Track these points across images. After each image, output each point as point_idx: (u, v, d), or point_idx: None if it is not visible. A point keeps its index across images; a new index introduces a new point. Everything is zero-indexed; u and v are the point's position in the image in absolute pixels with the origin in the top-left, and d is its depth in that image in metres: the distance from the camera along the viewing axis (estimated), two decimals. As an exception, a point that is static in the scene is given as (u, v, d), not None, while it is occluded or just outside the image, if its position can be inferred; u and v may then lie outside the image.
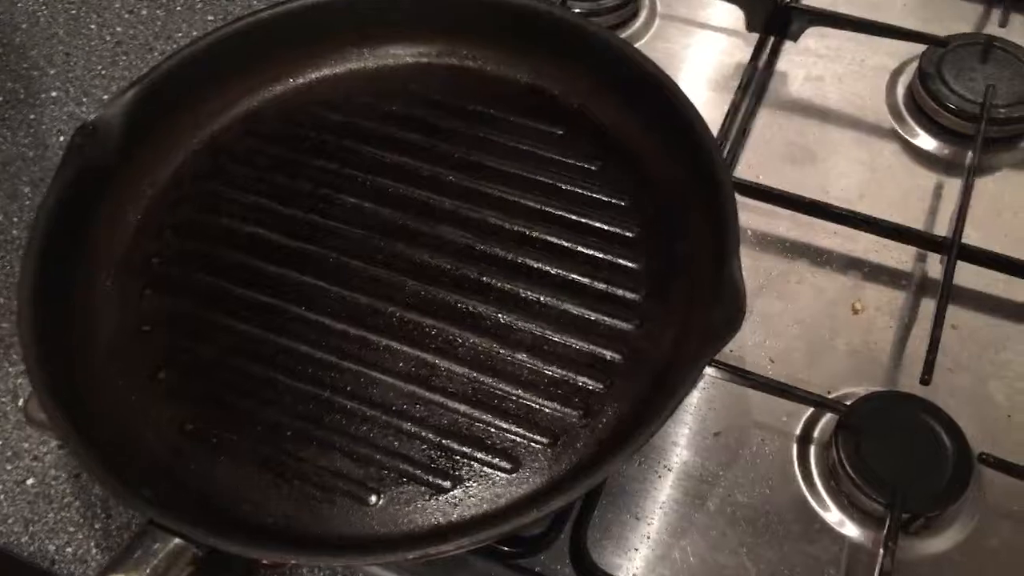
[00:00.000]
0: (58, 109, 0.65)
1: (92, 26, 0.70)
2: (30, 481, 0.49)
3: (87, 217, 0.49)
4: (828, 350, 0.50)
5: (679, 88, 0.49)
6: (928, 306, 0.51)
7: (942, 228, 0.54)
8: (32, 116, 0.65)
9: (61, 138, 0.64)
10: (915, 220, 0.54)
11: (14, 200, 0.60)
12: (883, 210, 0.54)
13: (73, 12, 0.71)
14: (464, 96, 0.55)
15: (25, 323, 0.42)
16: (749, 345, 0.50)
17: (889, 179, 0.57)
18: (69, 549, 0.46)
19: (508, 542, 0.43)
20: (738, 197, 0.55)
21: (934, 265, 0.52)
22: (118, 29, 0.70)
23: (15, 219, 0.60)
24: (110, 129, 0.49)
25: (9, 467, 0.49)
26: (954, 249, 0.50)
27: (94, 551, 0.46)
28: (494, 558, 0.43)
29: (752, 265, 0.53)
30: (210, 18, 0.70)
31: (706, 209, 0.46)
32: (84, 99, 0.66)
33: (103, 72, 0.67)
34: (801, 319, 0.51)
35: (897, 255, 0.53)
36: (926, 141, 0.58)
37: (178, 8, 0.71)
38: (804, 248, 0.54)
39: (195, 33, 0.69)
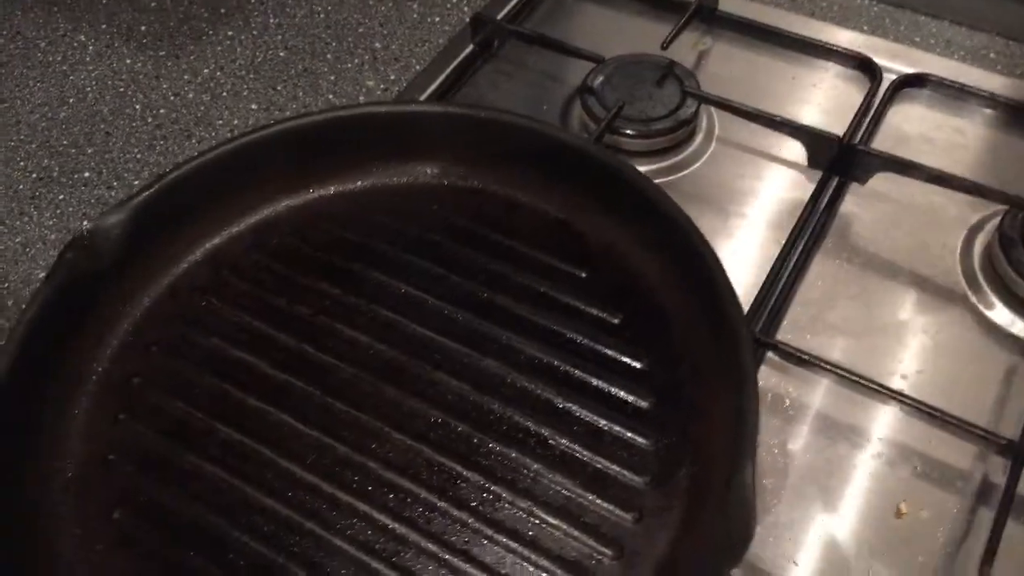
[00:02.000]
0: (88, 192, 0.64)
1: (137, 106, 0.69)
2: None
3: (72, 330, 0.46)
4: (862, 559, 0.43)
5: (713, 253, 0.44)
6: (985, 518, 0.44)
7: (1010, 422, 0.47)
8: (61, 197, 0.64)
9: (85, 223, 0.62)
10: (980, 409, 0.48)
11: (27, 285, 0.59)
12: (943, 392, 0.48)
13: (121, 90, 0.71)
14: (487, 224, 0.51)
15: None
16: (772, 540, 0.44)
17: (955, 356, 0.50)
18: None
19: None
20: (777, 359, 0.50)
21: (997, 468, 0.45)
22: (161, 111, 0.69)
23: (23, 305, 0.58)
24: (107, 239, 0.47)
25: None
26: (1019, 458, 0.43)
27: None
28: None
29: (786, 441, 0.47)
30: (253, 107, 0.69)
31: (727, 389, 0.40)
32: (115, 183, 0.65)
33: (139, 156, 0.66)
34: (835, 516, 0.45)
35: (955, 451, 0.46)
36: (1002, 315, 0.51)
37: (223, 94, 0.69)
38: (848, 429, 0.48)
39: (236, 122, 0.68)
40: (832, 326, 0.52)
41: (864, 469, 0.46)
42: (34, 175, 0.65)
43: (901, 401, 0.47)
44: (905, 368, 0.50)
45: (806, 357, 0.49)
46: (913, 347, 0.51)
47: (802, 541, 0.44)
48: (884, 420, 0.48)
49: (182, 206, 0.50)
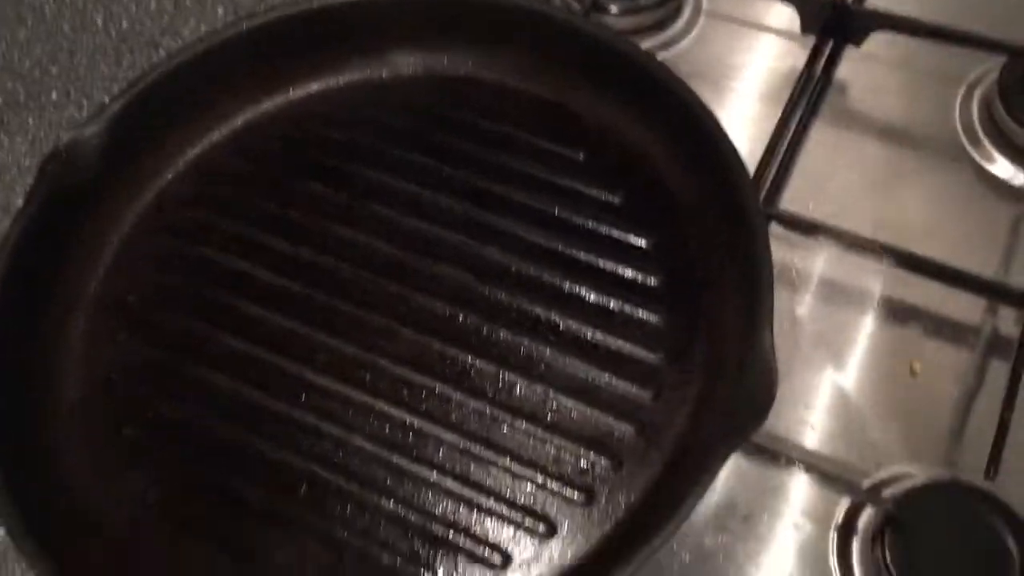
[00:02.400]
0: (58, 113, 0.62)
1: (98, 20, 0.66)
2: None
3: (59, 251, 0.45)
4: (879, 418, 0.44)
5: (714, 117, 0.43)
6: (999, 371, 0.44)
7: (1018, 273, 0.47)
8: (31, 120, 0.61)
9: (62, 136, 0.60)
10: (987, 263, 0.47)
11: (6, 213, 0.57)
12: (949, 249, 0.47)
13: (80, 6, 0.67)
14: (477, 112, 0.50)
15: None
16: (787, 407, 0.44)
17: (959, 212, 0.50)
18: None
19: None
20: (782, 231, 0.49)
21: (1008, 320, 0.45)
22: (123, 24, 0.66)
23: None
24: (85, 152, 0.45)
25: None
26: (1032, 306, 0.43)
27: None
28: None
29: (794, 310, 0.47)
30: (220, 11, 0.65)
31: (738, 261, 0.40)
32: (85, 102, 0.62)
33: (106, 72, 0.63)
34: (850, 378, 0.45)
35: (964, 306, 0.46)
36: (1003, 168, 0.51)
37: (187, 2, 0.66)
38: (857, 293, 0.47)
39: (204, 28, 0.65)
40: (833, 193, 0.51)
41: (874, 332, 0.46)
42: (0, 100, 0.63)
43: (908, 260, 0.46)
44: (910, 229, 0.49)
45: (809, 224, 0.48)
46: (916, 207, 0.50)
47: (817, 406, 0.44)
48: (892, 281, 0.47)
49: (158, 114, 0.48)
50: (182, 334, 0.44)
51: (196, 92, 0.49)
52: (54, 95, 0.63)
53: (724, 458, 0.34)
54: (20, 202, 0.57)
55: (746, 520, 0.41)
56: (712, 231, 0.42)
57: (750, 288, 0.38)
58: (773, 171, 0.51)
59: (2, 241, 0.42)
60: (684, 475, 0.36)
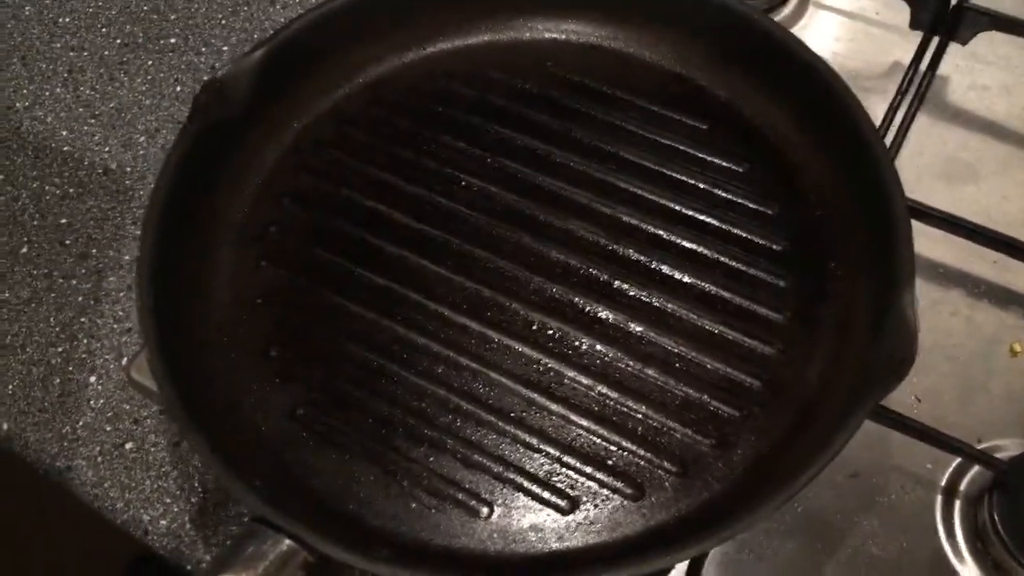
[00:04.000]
0: (176, 57, 0.64)
1: (215, -30, 0.68)
2: (129, 445, 0.48)
3: (209, 180, 0.47)
4: (981, 393, 0.46)
5: (846, 86, 0.45)
6: (1098, 355, 0.46)
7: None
8: (150, 62, 0.64)
9: (178, 88, 0.62)
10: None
11: (128, 149, 0.59)
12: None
13: (197, -45, 0.69)
14: (603, 79, 0.52)
15: (143, 292, 0.41)
16: (891, 378, 0.46)
17: (1060, 207, 0.52)
18: (163, 521, 0.45)
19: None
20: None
21: (1107, 309, 0.47)
22: (241, -24, 0.68)
23: (128, 169, 0.58)
24: (237, 88, 0.47)
25: (108, 428, 0.48)
26: None
27: (188, 527, 0.45)
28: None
29: (899, 289, 0.49)
30: (334, -28, 0.67)
31: (869, 228, 0.42)
32: (203, 48, 0.64)
33: (223, 22, 0.65)
34: (953, 356, 0.47)
35: (1065, 294, 0.48)
36: (1103, 167, 0.53)
37: (303, -41, 0.68)
38: (960, 277, 0.49)
39: (319, -14, 0.67)
40: (935, 182, 0.53)
41: (976, 312, 0.48)
42: (118, 41, 0.65)
43: (1011, 244, 0.48)
44: (1011, 219, 0.51)
45: (917, 207, 0.50)
46: (1017, 198, 0.52)
47: (921, 380, 0.46)
48: (994, 266, 0.49)
49: (301, 60, 0.50)
50: (323, 266, 0.46)
51: (336, 42, 0.51)
52: (172, 40, 0.65)
53: (865, 413, 0.36)
54: (142, 139, 0.60)
55: (853, 479, 0.43)
56: (839, 198, 0.44)
57: (884, 253, 0.40)
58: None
59: (163, 167, 0.44)
60: (815, 429, 0.38)
